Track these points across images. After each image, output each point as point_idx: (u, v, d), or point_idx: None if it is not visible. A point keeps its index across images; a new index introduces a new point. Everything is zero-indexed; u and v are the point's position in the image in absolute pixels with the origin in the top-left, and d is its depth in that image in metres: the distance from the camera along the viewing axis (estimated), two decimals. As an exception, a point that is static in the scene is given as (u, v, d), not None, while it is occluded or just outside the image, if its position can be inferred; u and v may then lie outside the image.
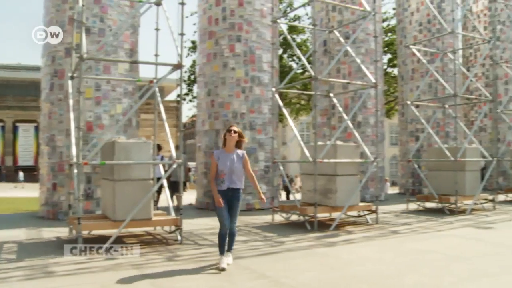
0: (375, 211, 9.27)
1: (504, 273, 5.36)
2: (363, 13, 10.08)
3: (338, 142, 9.17)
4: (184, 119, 44.01)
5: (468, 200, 11.18)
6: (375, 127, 11.57)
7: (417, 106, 13.76)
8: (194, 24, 21.53)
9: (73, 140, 6.98)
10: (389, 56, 25.81)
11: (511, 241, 7.52)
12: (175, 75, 7.38)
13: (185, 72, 25.49)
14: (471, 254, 6.36)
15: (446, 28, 12.91)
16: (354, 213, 9.59)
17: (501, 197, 13.69)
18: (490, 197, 11.90)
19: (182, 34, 7.09)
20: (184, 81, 25.35)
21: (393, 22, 24.25)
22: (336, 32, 11.80)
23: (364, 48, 13.59)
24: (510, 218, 10.25)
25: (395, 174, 35.81)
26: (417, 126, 15.32)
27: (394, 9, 22.09)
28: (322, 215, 8.99)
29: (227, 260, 5.44)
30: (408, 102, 12.70)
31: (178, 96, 7.77)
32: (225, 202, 5.42)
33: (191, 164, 20.81)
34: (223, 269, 5.23)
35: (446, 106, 13.09)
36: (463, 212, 10.83)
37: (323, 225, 8.52)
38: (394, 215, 10.66)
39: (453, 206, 10.81)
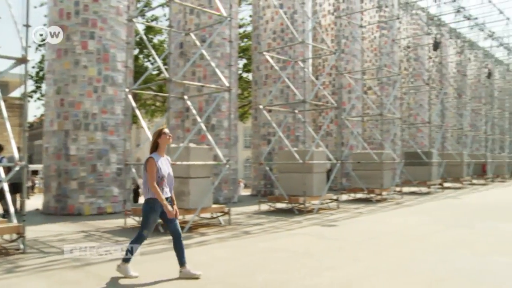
0: (227, 213, 9.54)
1: (345, 265, 5.91)
2: (220, 18, 10.34)
3: (191, 145, 9.29)
4: (32, 118, 40.72)
5: (315, 200, 12.04)
6: (228, 130, 11.93)
7: (269, 111, 14.44)
8: (46, 16, 20.13)
9: None
10: (244, 61, 26.76)
11: (351, 237, 8.26)
12: (20, 70, 6.83)
13: (33, 67, 23.61)
14: (316, 250, 6.89)
15: (298, 38, 13.83)
16: (208, 215, 9.77)
17: (345, 197, 15.04)
18: (335, 197, 12.96)
19: (27, 26, 6.60)
20: (31, 77, 23.44)
21: (249, 28, 25.20)
22: (192, 35, 11.91)
23: (220, 52, 13.93)
24: (351, 216, 11.25)
25: (249, 176, 37.18)
26: (269, 129, 16.09)
27: (250, 16, 22.99)
28: (175, 218, 9.02)
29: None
30: (261, 107, 13.35)
31: (23, 93, 7.18)
32: (158, 213, 5.10)
33: (38, 167, 19.40)
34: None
35: (296, 111, 13.97)
36: (311, 211, 11.62)
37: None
38: (246, 216, 11.05)
39: (302, 206, 11.57)
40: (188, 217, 9.17)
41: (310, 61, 18.79)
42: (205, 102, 13.52)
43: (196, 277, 5.05)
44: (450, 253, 6.68)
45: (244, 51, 25.10)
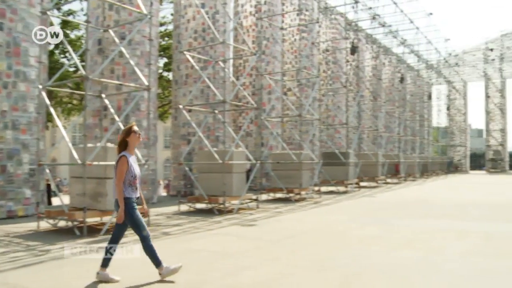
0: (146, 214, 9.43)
1: (264, 264, 6.06)
2: (140, 15, 10.21)
3: (109, 144, 9.11)
4: None
5: (235, 200, 12.20)
6: (147, 129, 11.79)
7: (189, 111, 14.42)
8: None
9: None
10: (165, 60, 26.48)
11: (271, 236, 8.46)
12: None
13: None
14: (236, 250, 7.00)
15: (219, 38, 13.93)
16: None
17: (264, 197, 15.33)
18: (254, 197, 13.17)
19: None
20: None
21: (170, 27, 24.99)
22: (111, 32, 11.65)
23: (140, 50, 13.71)
24: (271, 216, 11.51)
25: (169, 177, 36.81)
26: (189, 129, 16.06)
27: (172, 14, 22.80)
28: (92, 220, 8.80)
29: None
30: (181, 106, 13.32)
31: None
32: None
33: None
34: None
35: (216, 111, 14.05)
36: (230, 211, 11.76)
37: (94, 230, 8.34)
38: (166, 217, 10.99)
39: (222, 206, 11.68)
40: (106, 218, 8.98)
41: (231, 61, 18.96)
42: (124, 101, 13.25)
43: (114, 281, 4.95)
44: (365, 249, 7.08)
45: (164, 50, 24.85)
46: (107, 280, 4.96)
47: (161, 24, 24.13)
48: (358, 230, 9.24)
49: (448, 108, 46.93)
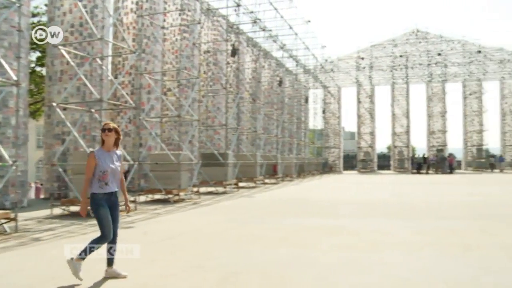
0: (14, 219, 9.02)
1: (142, 267, 6.08)
2: (7, 2, 9.74)
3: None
4: None
5: (111, 202, 12.10)
6: (16, 128, 11.25)
7: (64, 109, 14.00)
8: None
9: None
10: (38, 54, 25.07)
11: (148, 238, 8.60)
12: None
13: None
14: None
15: (97, 34, 13.69)
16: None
17: (143, 198, 15.35)
18: (132, 199, 13.17)
19: None
20: None
21: (44, 19, 23.71)
22: (-25, 21, 10.98)
23: (8, 41, 13.02)
24: (149, 217, 11.62)
25: (41, 178, 34.79)
26: (63, 129, 15.50)
27: (46, 5, 21.70)
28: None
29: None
30: (54, 104, 12.90)
31: None
32: (107, 207, 5.20)
33: None
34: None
35: (93, 110, 13.81)
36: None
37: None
38: (37, 222, 10.62)
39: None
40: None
41: (110, 59, 18.64)
42: (-11, 96, 12.51)
43: (122, 277, 5.37)
44: (244, 248, 7.51)
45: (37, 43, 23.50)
46: (117, 276, 5.38)
47: (34, 15, 22.85)
48: (237, 229, 9.73)
49: (323, 112, 49.92)
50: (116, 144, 5.42)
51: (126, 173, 14.25)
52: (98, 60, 14.69)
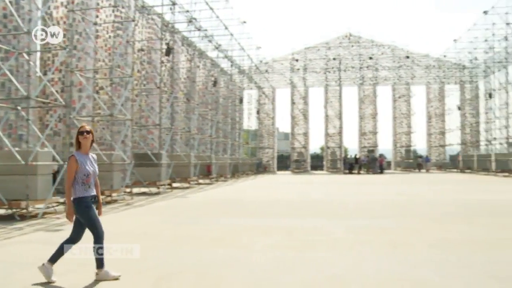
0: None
1: (72, 271, 6.06)
2: None
3: None
4: None
5: (40, 204, 11.78)
6: None
7: (-12, 106, 13.41)
8: None
9: None
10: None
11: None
12: None
13: None
14: (40, 258, 6.72)
15: (23, 27, 13.19)
16: None
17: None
18: (62, 200, 12.84)
19: None
20: None
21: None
22: None
23: None
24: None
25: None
26: (-12, 127, 14.84)
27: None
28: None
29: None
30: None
31: None
32: (94, 208, 5.44)
33: None
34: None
35: (19, 108, 13.32)
36: (35, 216, 11.33)
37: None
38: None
39: (25, 211, 11.19)
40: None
41: (38, 54, 17.93)
42: None
43: (114, 278, 5.51)
44: (178, 249, 7.58)
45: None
46: (107, 278, 5.50)
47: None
48: (171, 230, 9.78)
49: (258, 112, 50.49)
50: (90, 147, 5.54)
51: (55, 174, 13.86)
52: (25, 55, 14.16)
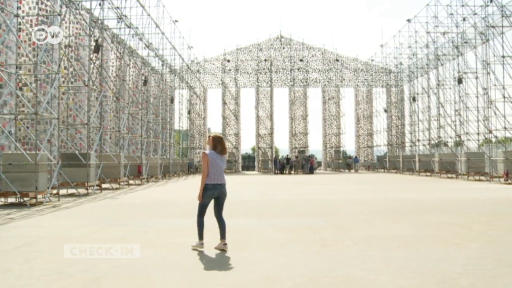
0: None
1: None
2: None
3: None
4: None
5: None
6: None
7: None
8: None
9: None
10: None
11: (1, 245, 8.10)
12: None
13: None
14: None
15: None
16: None
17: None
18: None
19: None
20: None
21: None
22: None
23: None
24: (1, 223, 10.87)
25: None
26: None
27: None
28: None
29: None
30: None
31: None
32: None
33: None
34: None
35: None
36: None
37: None
38: None
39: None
40: None
41: (-46, 47, 16.91)
42: None
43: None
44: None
45: None
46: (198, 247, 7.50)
47: None
48: (100, 233, 9.52)
49: (189, 112, 50.16)
50: None
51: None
52: None
